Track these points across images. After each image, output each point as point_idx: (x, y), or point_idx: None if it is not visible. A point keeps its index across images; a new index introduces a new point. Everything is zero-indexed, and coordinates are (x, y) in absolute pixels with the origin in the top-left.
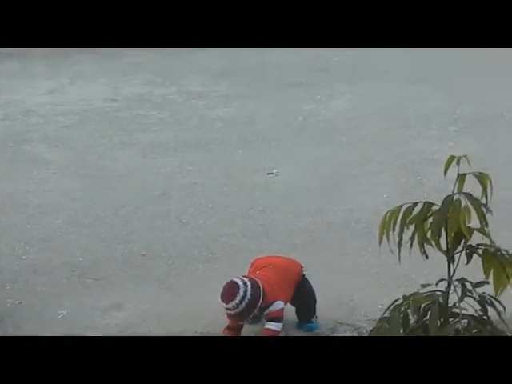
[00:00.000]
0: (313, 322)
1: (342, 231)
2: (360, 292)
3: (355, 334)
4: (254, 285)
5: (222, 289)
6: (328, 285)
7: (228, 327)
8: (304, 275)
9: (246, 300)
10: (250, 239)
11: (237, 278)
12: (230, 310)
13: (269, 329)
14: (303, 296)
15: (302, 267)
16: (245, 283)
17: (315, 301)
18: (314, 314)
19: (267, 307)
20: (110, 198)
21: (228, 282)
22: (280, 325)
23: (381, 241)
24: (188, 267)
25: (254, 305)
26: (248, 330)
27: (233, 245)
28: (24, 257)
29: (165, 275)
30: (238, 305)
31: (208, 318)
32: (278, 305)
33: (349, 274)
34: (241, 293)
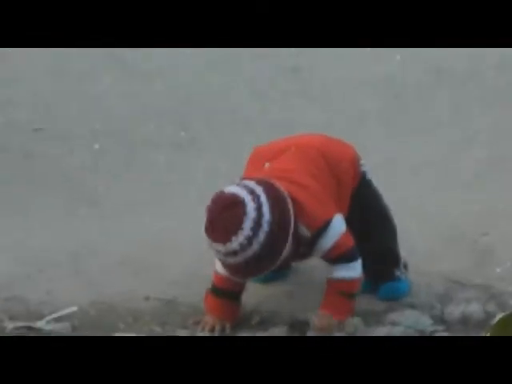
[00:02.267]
0: (399, 279)
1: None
2: (497, 222)
3: (493, 307)
4: (273, 194)
5: (206, 213)
6: (431, 205)
7: (214, 289)
8: (365, 173)
9: (265, 230)
10: (270, 101)
11: (236, 185)
12: (231, 255)
13: (341, 279)
14: (367, 219)
15: (358, 155)
16: (253, 194)
17: (394, 232)
18: (399, 261)
19: (317, 238)
20: None
21: (217, 197)
22: (357, 265)
23: None
24: (153, 158)
25: (283, 239)
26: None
27: (237, 113)
28: None
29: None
30: (247, 243)
31: (189, 268)
32: (339, 224)
33: (471, 189)
34: (250, 217)
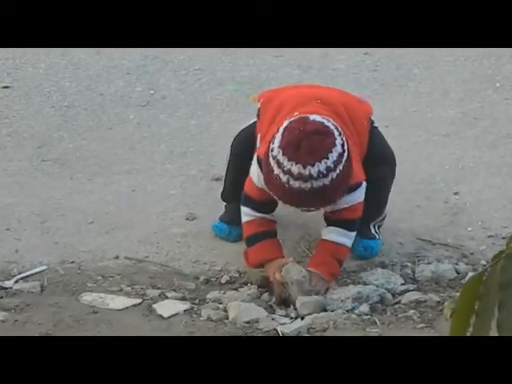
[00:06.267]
0: (374, 237)
1: None
2: (468, 181)
3: (464, 266)
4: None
5: (289, 132)
6: (402, 163)
7: (254, 235)
8: (373, 123)
9: (340, 168)
10: None
11: (318, 115)
12: (303, 178)
13: (338, 243)
14: (378, 172)
15: (372, 110)
16: (338, 130)
17: (392, 174)
18: (381, 213)
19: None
20: None
21: (303, 120)
22: (353, 236)
23: None
24: (123, 116)
25: (346, 182)
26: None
27: (207, 71)
28: None
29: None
30: (325, 173)
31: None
32: (362, 191)
33: (442, 147)
34: (337, 149)
